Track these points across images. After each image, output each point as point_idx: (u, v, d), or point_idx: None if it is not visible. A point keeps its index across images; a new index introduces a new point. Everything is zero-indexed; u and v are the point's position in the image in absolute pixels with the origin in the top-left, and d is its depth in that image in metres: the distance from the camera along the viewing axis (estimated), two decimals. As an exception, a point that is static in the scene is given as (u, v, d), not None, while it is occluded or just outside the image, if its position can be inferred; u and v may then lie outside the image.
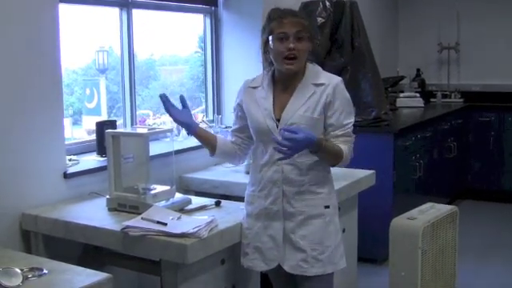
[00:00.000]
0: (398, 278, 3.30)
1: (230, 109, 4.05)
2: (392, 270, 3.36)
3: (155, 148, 3.36)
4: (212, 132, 3.11)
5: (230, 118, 2.83)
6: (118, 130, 3.21)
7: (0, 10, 2.74)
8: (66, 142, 3.26)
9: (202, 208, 2.92)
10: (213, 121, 4.36)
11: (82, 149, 3.55)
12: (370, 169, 3.79)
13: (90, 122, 3.81)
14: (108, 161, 2.92)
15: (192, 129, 2.66)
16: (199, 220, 2.62)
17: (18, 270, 2.08)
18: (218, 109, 4.57)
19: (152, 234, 2.51)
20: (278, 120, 2.51)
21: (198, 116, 4.34)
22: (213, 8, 4.50)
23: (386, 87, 5.68)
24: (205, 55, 4.58)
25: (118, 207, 2.87)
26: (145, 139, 2.98)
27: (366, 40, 4.83)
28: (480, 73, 7.02)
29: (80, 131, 3.94)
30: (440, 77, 7.29)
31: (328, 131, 2.52)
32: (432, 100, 7.00)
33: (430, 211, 3.44)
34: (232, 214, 2.79)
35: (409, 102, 6.49)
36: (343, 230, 2.79)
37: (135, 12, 3.86)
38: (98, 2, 3.69)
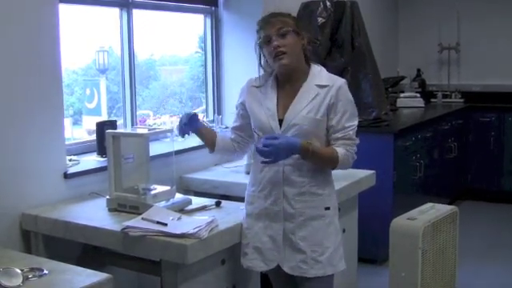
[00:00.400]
0: (398, 279, 3.29)
1: (230, 109, 4.06)
2: (392, 270, 3.36)
3: (155, 148, 3.36)
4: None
5: (230, 118, 2.84)
6: (118, 131, 3.21)
7: (0, 10, 2.74)
8: (67, 142, 3.26)
9: (202, 208, 2.92)
10: (213, 121, 4.35)
11: (82, 149, 3.55)
12: (370, 169, 3.79)
13: (90, 122, 3.81)
14: (108, 161, 2.92)
15: (193, 130, 2.73)
16: (199, 220, 2.62)
17: (18, 270, 2.08)
18: (219, 109, 4.57)
19: (152, 235, 2.51)
20: (281, 120, 2.51)
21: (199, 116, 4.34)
22: (213, 8, 4.50)
23: (386, 87, 5.68)
24: (205, 55, 4.58)
25: (118, 207, 2.87)
26: (145, 139, 2.98)
27: (367, 40, 4.83)
28: (480, 73, 7.02)
29: (80, 131, 3.94)
30: (440, 77, 7.29)
31: (329, 133, 2.52)
32: (432, 100, 7.00)
33: (430, 211, 3.44)
34: (232, 215, 2.79)
35: (409, 102, 6.48)
36: (343, 231, 2.79)
37: (135, 12, 3.85)
38: (98, 2, 3.69)
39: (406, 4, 7.43)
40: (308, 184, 2.53)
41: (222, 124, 4.27)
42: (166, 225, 2.55)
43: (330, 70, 2.64)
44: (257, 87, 2.62)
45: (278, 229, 2.56)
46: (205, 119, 4.36)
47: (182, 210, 2.86)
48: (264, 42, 2.50)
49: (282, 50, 2.46)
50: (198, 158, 3.81)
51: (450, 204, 4.03)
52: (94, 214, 2.83)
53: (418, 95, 6.65)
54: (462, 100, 6.95)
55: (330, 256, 2.56)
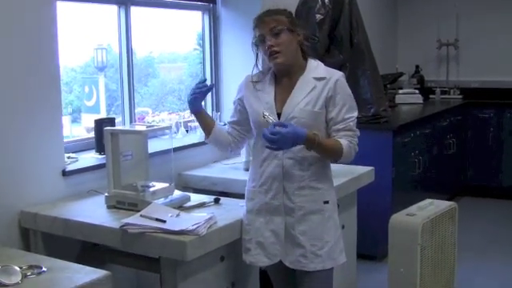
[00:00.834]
0: (398, 275, 3.30)
1: (228, 106, 4.06)
2: (391, 266, 3.36)
3: (154, 145, 3.36)
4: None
5: (228, 114, 2.84)
6: (116, 128, 3.21)
7: (-2, 8, 2.74)
8: (65, 140, 3.26)
9: (201, 205, 2.92)
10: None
11: (80, 146, 3.55)
12: (369, 165, 3.79)
13: (88, 120, 3.81)
14: (107, 158, 2.92)
15: (196, 109, 2.69)
16: (198, 217, 2.62)
17: (17, 268, 2.08)
18: (217, 106, 4.57)
19: (151, 232, 2.51)
20: (279, 114, 2.52)
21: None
22: (211, 5, 4.50)
23: (385, 84, 5.68)
24: (203, 52, 4.57)
25: (116, 205, 2.87)
26: (143, 137, 2.98)
27: (365, 37, 4.82)
28: (479, 69, 7.02)
29: (79, 129, 3.94)
30: (439, 73, 7.29)
31: (329, 125, 2.53)
32: (431, 96, 7.00)
33: (429, 208, 3.44)
34: (231, 211, 2.79)
35: (408, 98, 6.49)
36: (342, 227, 2.79)
37: (134, 9, 3.85)
38: (97, -1, 3.69)
39: (405, 0, 7.43)
40: (308, 178, 2.54)
41: (220, 121, 4.27)
42: (164, 222, 2.55)
43: (328, 67, 2.65)
44: (255, 82, 2.63)
45: (280, 223, 2.57)
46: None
47: (180, 206, 2.86)
48: (259, 41, 2.53)
49: (275, 49, 2.48)
50: (196, 154, 3.81)
51: (448, 200, 4.03)
52: (93, 212, 2.83)
53: (417, 92, 6.65)
54: (460, 96, 6.95)
55: (330, 250, 2.57)
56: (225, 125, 3.98)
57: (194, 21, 4.54)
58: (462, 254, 3.88)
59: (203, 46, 4.57)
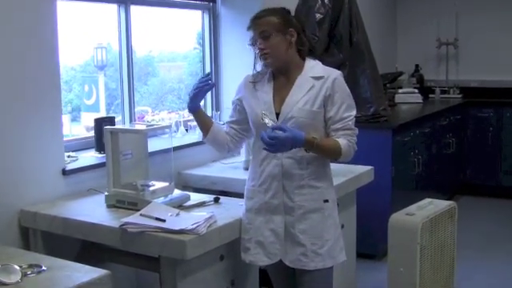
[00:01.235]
0: (397, 274, 3.30)
1: (228, 105, 4.05)
2: (391, 265, 3.36)
3: (154, 144, 3.36)
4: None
5: (228, 114, 2.84)
6: (116, 127, 3.21)
7: (-2, 7, 2.74)
8: (65, 139, 3.26)
9: (201, 204, 2.92)
10: (211, 117, 4.34)
11: (80, 145, 3.54)
12: (368, 165, 3.80)
13: (88, 119, 3.81)
14: (107, 157, 2.92)
15: (195, 108, 2.69)
16: (198, 216, 2.62)
17: (17, 267, 2.08)
18: (217, 105, 4.57)
19: (151, 231, 2.51)
20: (278, 114, 2.52)
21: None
22: (211, 4, 4.50)
23: (384, 83, 5.68)
24: (203, 51, 4.57)
25: (116, 204, 2.87)
26: (143, 136, 2.98)
27: (365, 36, 4.82)
28: (478, 68, 7.02)
29: (79, 128, 3.94)
30: (438, 73, 7.28)
31: (328, 125, 2.54)
32: (430, 96, 7.00)
33: (429, 207, 3.44)
34: (231, 211, 2.79)
35: (407, 97, 6.49)
36: (342, 226, 2.79)
37: (133, 8, 3.85)
38: (96, -2, 3.69)
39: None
40: (307, 177, 2.54)
41: (220, 120, 4.27)
42: (164, 221, 2.55)
43: (327, 66, 2.65)
44: (253, 83, 2.63)
45: (280, 222, 2.57)
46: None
47: (180, 206, 2.86)
48: (252, 44, 2.58)
49: (265, 51, 2.52)
50: (196, 154, 3.81)
51: (448, 199, 4.04)
52: (93, 211, 2.83)
53: (416, 91, 6.65)
54: (460, 95, 6.95)
55: (330, 248, 2.57)
56: (224, 124, 3.99)
57: (193, 20, 4.54)
58: (462, 252, 3.88)
59: (203, 45, 4.57)
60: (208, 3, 4.48)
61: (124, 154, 2.94)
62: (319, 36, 4.50)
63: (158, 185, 2.92)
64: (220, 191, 3.41)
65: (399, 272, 3.29)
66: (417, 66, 7.12)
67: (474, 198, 6.49)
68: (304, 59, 2.61)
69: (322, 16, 4.60)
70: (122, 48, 3.83)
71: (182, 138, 3.91)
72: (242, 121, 2.71)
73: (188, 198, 2.97)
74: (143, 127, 2.98)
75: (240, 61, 4.34)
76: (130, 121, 3.85)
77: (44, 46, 2.96)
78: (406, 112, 5.85)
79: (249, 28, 2.57)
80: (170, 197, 2.90)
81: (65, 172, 3.09)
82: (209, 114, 4.48)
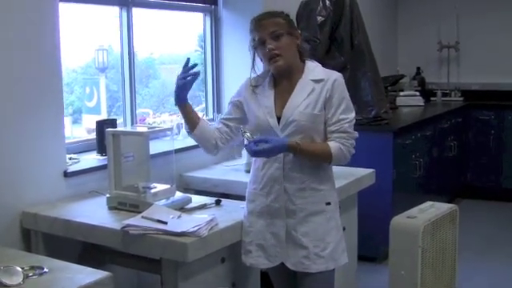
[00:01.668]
0: (398, 277, 3.29)
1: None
2: (392, 268, 3.35)
3: (155, 147, 3.36)
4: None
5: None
6: (118, 129, 3.21)
7: (0, 9, 2.74)
8: (66, 141, 3.26)
9: (202, 207, 2.92)
10: (213, 119, 4.35)
11: (82, 147, 3.55)
12: (369, 167, 3.79)
13: (90, 121, 3.81)
14: (108, 159, 2.92)
15: (182, 100, 2.65)
16: (199, 219, 2.62)
17: (19, 269, 2.08)
18: (218, 107, 4.57)
19: (152, 233, 2.51)
20: (279, 117, 2.52)
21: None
22: (213, 7, 4.50)
23: (385, 86, 5.67)
24: (204, 54, 4.58)
25: (118, 206, 2.88)
26: (145, 138, 2.98)
27: (366, 38, 4.82)
28: (480, 71, 7.02)
29: (80, 130, 3.94)
30: (440, 75, 7.29)
31: (326, 127, 2.53)
32: (432, 99, 7.00)
33: (430, 210, 3.43)
34: (232, 213, 2.79)
35: (409, 100, 6.49)
36: (343, 229, 2.79)
37: (135, 11, 3.86)
38: (98, 0, 3.69)
39: (406, 2, 7.43)
40: (308, 180, 2.53)
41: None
42: (166, 223, 2.55)
43: (329, 69, 2.65)
44: (254, 87, 2.62)
45: (281, 225, 2.57)
46: (204, 117, 4.35)
47: (182, 208, 2.87)
48: (258, 44, 2.53)
49: (276, 52, 2.48)
50: (198, 156, 3.80)
51: (449, 202, 4.03)
52: (94, 213, 2.84)
53: (418, 94, 6.65)
54: (461, 98, 6.95)
55: (332, 251, 2.57)
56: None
57: (195, 22, 4.54)
58: (463, 255, 3.88)
59: (204, 48, 4.57)
60: (209, 6, 4.48)
61: (125, 156, 2.94)
62: (320, 39, 4.50)
63: (159, 187, 2.92)
64: (221, 194, 3.41)
65: (400, 275, 3.28)
66: (418, 68, 7.12)
67: (476, 200, 6.48)
68: (304, 62, 2.60)
69: (323, 19, 4.60)
70: (123, 50, 3.83)
71: (183, 141, 3.91)
72: (238, 120, 2.68)
73: (189, 201, 2.97)
74: (145, 129, 2.98)
75: (241, 63, 4.33)
76: (132, 123, 3.85)
77: (46, 48, 2.97)
78: (407, 115, 5.85)
79: (254, 29, 2.53)
80: (171, 199, 2.91)
81: (66, 174, 3.09)
82: (210, 115, 4.49)
